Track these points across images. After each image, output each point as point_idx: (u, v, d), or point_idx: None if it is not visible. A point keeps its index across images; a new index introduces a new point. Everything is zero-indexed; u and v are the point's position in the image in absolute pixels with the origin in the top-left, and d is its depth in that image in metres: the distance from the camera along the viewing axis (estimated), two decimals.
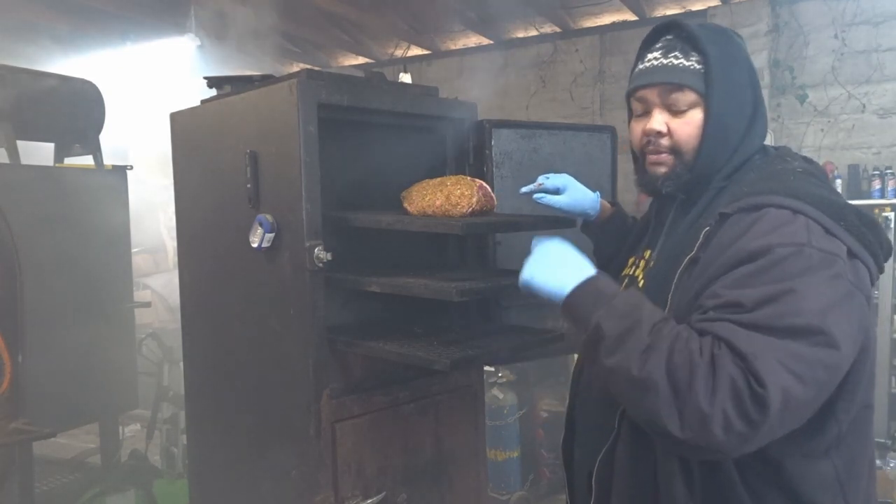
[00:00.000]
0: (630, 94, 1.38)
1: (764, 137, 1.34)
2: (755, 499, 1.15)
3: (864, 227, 1.14)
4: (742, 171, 1.30)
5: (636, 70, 1.36)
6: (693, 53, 1.29)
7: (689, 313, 1.14)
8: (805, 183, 1.19)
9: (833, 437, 1.15)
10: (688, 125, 1.29)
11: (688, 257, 1.21)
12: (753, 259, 1.09)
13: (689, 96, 1.28)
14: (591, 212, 1.82)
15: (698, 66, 1.28)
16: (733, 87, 1.29)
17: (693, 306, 1.15)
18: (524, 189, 1.86)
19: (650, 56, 1.33)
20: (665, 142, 1.31)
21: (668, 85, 1.29)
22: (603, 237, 1.82)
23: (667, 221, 1.42)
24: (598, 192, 1.86)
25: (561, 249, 1.28)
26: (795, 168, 1.25)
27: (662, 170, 1.33)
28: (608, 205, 1.86)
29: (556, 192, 1.81)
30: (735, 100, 1.29)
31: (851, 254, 1.11)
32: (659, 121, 1.31)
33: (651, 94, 1.32)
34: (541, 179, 1.84)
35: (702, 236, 1.20)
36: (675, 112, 1.30)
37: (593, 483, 1.34)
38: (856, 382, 1.15)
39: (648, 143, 1.33)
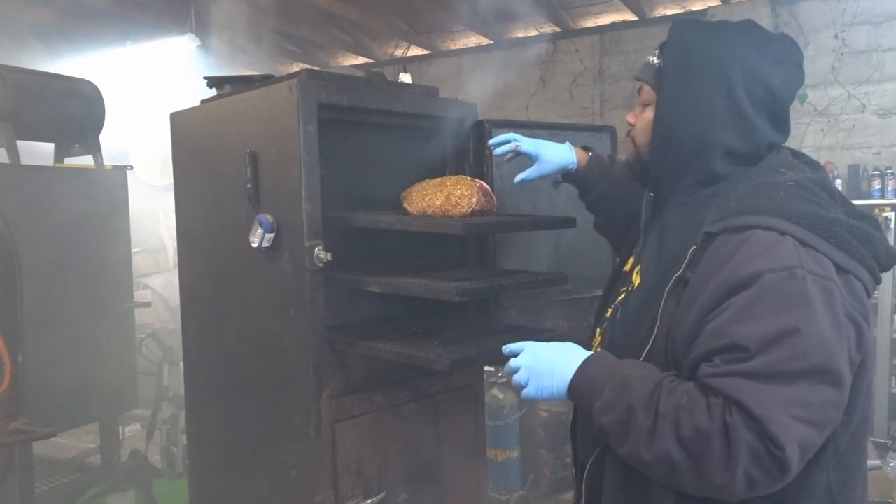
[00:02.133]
0: None
1: (755, 149, 1.26)
2: None
3: (857, 240, 1.12)
4: (730, 181, 1.25)
5: None
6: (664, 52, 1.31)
7: (686, 347, 1.14)
8: (794, 199, 1.15)
9: (830, 455, 1.14)
10: (642, 121, 1.35)
11: (675, 276, 1.20)
12: (745, 287, 1.07)
13: (647, 93, 1.33)
14: (570, 166, 1.83)
15: (658, 64, 1.31)
16: (687, 89, 1.26)
17: (690, 342, 1.13)
18: (499, 149, 1.86)
19: None
20: (632, 131, 1.39)
21: (637, 80, 1.37)
22: (585, 183, 1.84)
23: (656, 223, 1.41)
24: (567, 143, 1.86)
25: (545, 355, 1.28)
26: (786, 181, 1.20)
27: (628, 155, 1.42)
28: (583, 152, 1.86)
29: (531, 157, 1.82)
30: (688, 102, 1.26)
31: (841, 269, 1.09)
32: (632, 112, 1.39)
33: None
34: (513, 142, 1.84)
35: (689, 255, 1.19)
36: (642, 106, 1.36)
37: (583, 485, 1.35)
38: (854, 399, 1.13)
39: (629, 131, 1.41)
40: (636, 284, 1.38)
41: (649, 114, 1.33)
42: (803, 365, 1.02)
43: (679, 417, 1.06)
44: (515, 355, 1.31)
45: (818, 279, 1.06)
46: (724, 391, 1.04)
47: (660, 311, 1.20)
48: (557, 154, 1.82)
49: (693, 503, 1.14)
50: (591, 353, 1.26)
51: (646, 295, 1.28)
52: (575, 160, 1.83)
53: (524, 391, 1.28)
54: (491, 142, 1.92)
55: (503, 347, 1.35)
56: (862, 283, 1.12)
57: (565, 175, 1.86)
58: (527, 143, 1.84)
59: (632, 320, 1.30)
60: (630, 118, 1.40)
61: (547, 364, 1.26)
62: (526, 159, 1.85)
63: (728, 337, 1.06)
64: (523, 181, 1.84)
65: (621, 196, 1.74)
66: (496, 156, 1.91)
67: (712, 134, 1.25)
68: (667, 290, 1.20)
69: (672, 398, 1.09)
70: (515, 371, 1.30)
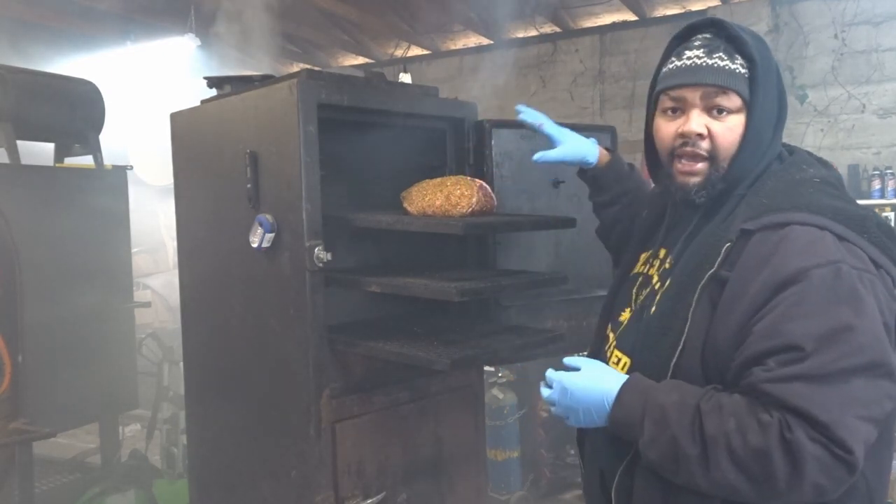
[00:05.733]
0: (664, 91, 1.30)
1: (780, 147, 1.31)
2: None
3: (885, 235, 1.14)
4: (761, 178, 1.25)
5: (673, 66, 1.29)
6: (737, 56, 1.24)
7: (733, 350, 1.13)
8: (823, 195, 1.18)
9: (867, 449, 1.14)
10: (730, 131, 1.24)
11: (708, 274, 1.18)
12: (792, 283, 1.08)
13: (734, 101, 1.23)
14: (591, 158, 1.77)
15: (743, 71, 1.23)
16: (770, 95, 1.25)
17: (737, 344, 1.12)
18: (525, 117, 1.83)
19: (690, 54, 1.26)
20: (705, 145, 1.25)
21: (715, 87, 1.23)
22: (599, 184, 1.80)
23: (689, 225, 1.34)
24: (593, 139, 1.83)
25: (575, 390, 1.25)
26: (812, 178, 1.22)
27: (696, 179, 1.27)
28: (605, 151, 1.82)
29: (552, 141, 1.78)
30: (770, 107, 1.26)
31: (875, 264, 1.12)
32: (699, 123, 1.25)
33: (692, 94, 1.25)
34: (539, 121, 1.82)
35: (723, 252, 1.17)
36: (716, 116, 1.24)
37: (613, 496, 1.31)
38: None
39: (684, 144, 1.26)
40: (664, 286, 1.31)
41: (735, 122, 1.24)
42: (860, 361, 1.03)
43: (730, 441, 1.06)
44: (551, 385, 1.29)
45: (861, 272, 1.08)
46: (784, 400, 1.04)
47: (691, 312, 1.18)
48: (580, 143, 1.78)
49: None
50: (622, 383, 1.21)
51: (675, 294, 1.24)
52: (597, 154, 1.78)
53: (566, 421, 1.29)
54: (519, 107, 1.88)
55: (541, 390, 1.31)
56: (892, 277, 1.14)
57: (580, 172, 1.83)
58: (550, 126, 1.80)
59: (659, 323, 1.26)
60: (697, 127, 1.24)
61: (579, 401, 1.24)
62: (545, 140, 1.80)
63: (781, 336, 1.06)
64: (543, 160, 1.76)
65: (633, 204, 1.71)
66: (520, 120, 1.86)
67: (776, 137, 1.28)
68: (699, 288, 1.18)
69: (716, 421, 1.08)
70: (552, 404, 1.29)
